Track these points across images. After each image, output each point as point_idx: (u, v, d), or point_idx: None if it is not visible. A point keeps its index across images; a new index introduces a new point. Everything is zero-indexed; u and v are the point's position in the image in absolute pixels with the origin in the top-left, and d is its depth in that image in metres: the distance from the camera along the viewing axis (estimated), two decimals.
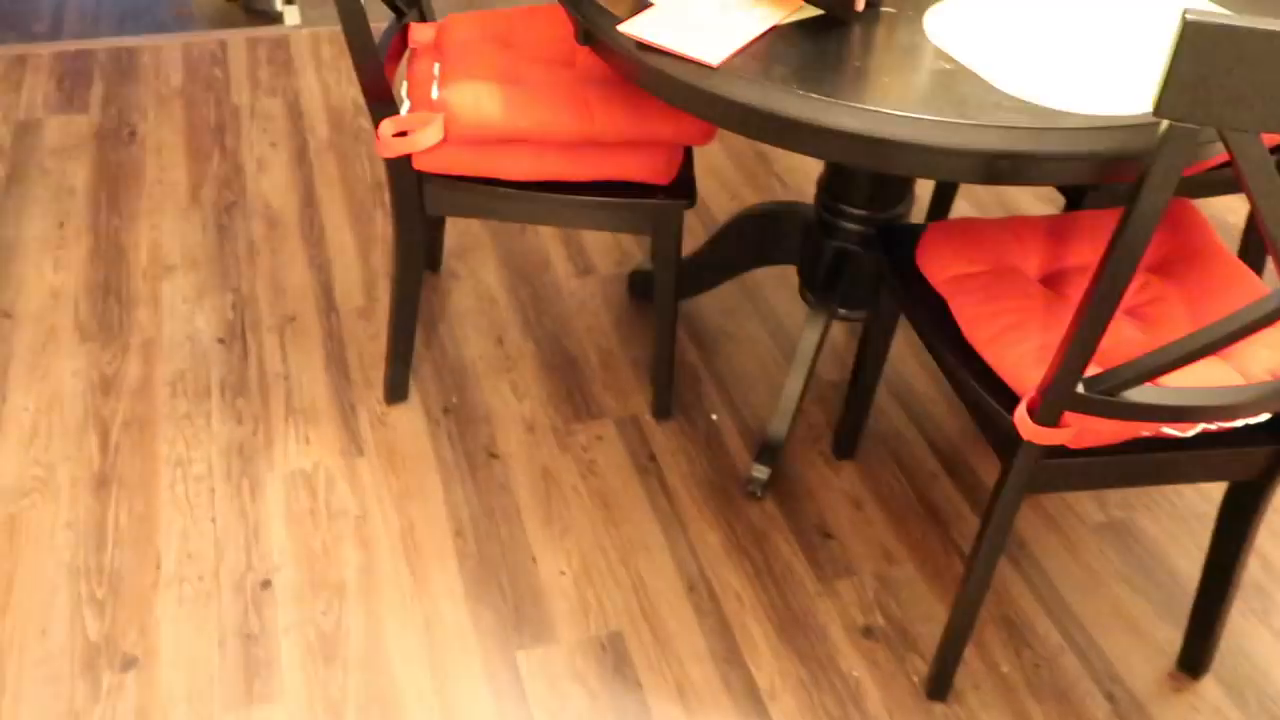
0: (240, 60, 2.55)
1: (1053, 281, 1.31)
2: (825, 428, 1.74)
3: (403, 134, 1.41)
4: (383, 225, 2.07)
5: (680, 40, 1.15)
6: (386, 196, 2.14)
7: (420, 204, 1.49)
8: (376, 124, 1.42)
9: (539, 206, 1.47)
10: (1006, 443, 1.18)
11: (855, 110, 1.09)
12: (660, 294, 1.57)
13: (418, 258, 1.55)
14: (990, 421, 1.20)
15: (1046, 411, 1.10)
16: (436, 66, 1.56)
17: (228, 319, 1.84)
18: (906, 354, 1.88)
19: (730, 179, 2.28)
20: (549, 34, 1.58)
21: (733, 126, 1.16)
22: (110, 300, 1.87)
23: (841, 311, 1.70)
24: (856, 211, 1.61)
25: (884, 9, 1.26)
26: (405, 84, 1.58)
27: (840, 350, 1.89)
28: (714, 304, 1.96)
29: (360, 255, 2.00)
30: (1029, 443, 1.14)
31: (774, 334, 1.90)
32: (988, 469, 1.70)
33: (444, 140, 1.38)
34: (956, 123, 1.07)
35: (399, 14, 1.60)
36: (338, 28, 2.68)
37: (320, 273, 1.95)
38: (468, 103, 1.37)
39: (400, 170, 1.45)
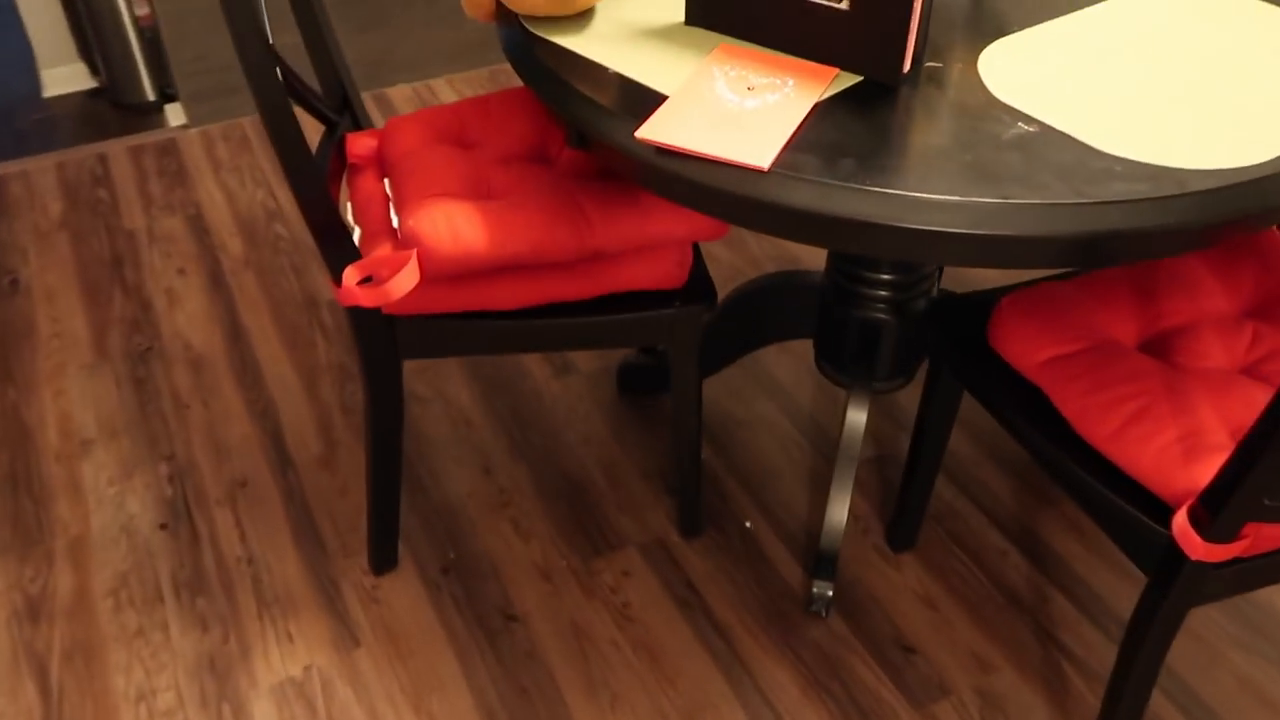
0: (126, 175, 2.26)
1: (1157, 349, 1.14)
2: (872, 515, 1.55)
3: (368, 277, 1.17)
4: (326, 350, 1.82)
5: (717, 141, 0.94)
6: (324, 314, 1.89)
7: (393, 352, 1.26)
8: (331, 266, 1.17)
9: (534, 335, 1.25)
10: (1159, 558, 1.00)
11: (945, 205, 0.89)
12: (680, 409, 1.36)
13: (394, 412, 1.31)
14: (1132, 533, 1.02)
15: (1223, 526, 0.92)
16: (387, 183, 1.32)
17: (166, 496, 1.57)
18: None
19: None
20: (511, 127, 1.35)
21: (791, 234, 0.95)
22: (21, 496, 1.58)
23: (878, 385, 1.51)
24: (881, 277, 1.42)
25: (929, 64, 1.07)
26: (349, 206, 1.34)
27: (870, 420, 1.70)
28: (715, 388, 1.75)
29: (306, 390, 1.74)
30: (1199, 561, 0.96)
31: (788, 411, 1.70)
32: (1056, 531, 1.52)
33: (419, 281, 1.15)
34: (1070, 204, 0.89)
35: (329, 124, 1.36)
36: (230, 121, 2.41)
37: (264, 420, 1.69)
38: (442, 233, 1.14)
39: (365, 317, 1.22)
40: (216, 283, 1.96)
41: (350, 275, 1.14)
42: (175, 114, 2.43)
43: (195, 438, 1.66)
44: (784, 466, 1.62)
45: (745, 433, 1.67)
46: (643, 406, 1.71)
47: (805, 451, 1.64)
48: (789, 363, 1.79)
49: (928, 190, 0.90)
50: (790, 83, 1.03)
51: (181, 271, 1.99)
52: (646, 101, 1.02)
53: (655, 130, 0.97)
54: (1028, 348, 1.12)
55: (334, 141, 1.34)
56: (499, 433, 1.67)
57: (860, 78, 1.04)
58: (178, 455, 1.63)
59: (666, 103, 1.00)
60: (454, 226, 1.15)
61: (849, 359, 1.49)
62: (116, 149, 2.33)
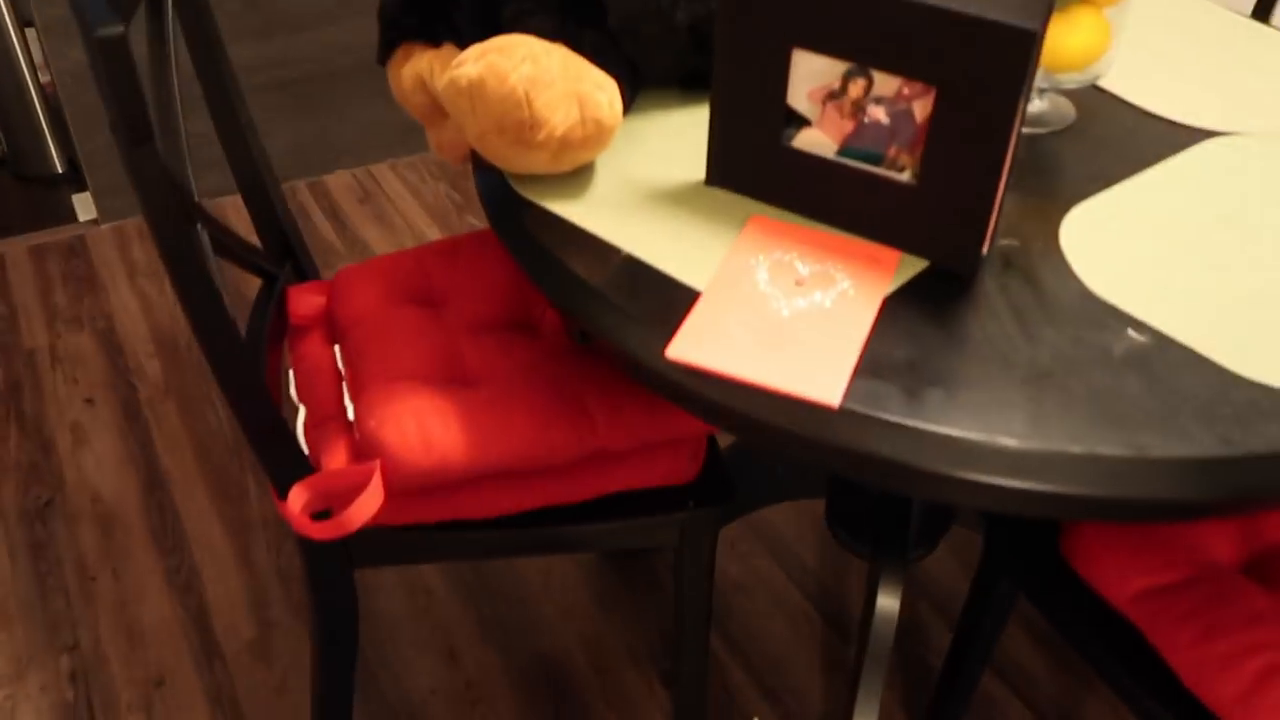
0: (26, 281, 2.00)
1: (1261, 573, 0.96)
2: (894, 703, 1.36)
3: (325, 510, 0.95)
4: (259, 499, 1.58)
5: (770, 366, 0.75)
6: (255, 455, 1.65)
7: (346, 562, 1.03)
8: (272, 477, 0.95)
9: (516, 543, 1.04)
10: None
11: (1065, 460, 0.70)
12: (690, 619, 1.15)
13: (345, 623, 1.09)
14: None
15: None
16: (338, 351, 1.11)
17: (67, 701, 1.32)
18: (958, 575, 1.52)
19: None
20: (486, 279, 1.14)
21: (871, 479, 0.76)
22: None
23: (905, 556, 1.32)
24: None
25: (1003, 241, 0.89)
26: (291, 377, 1.12)
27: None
28: None
29: (237, 552, 1.50)
30: None
31: (794, 573, 1.51)
32: (1103, 713, 1.34)
33: (384, 498, 0.93)
34: (1220, 458, 0.71)
35: (268, 278, 1.14)
36: None
37: (186, 595, 1.45)
38: (412, 441, 0.92)
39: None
40: (130, 415, 1.71)
41: (297, 499, 0.92)
42: (84, 206, 2.18)
43: (104, 620, 1.41)
44: (790, 641, 1.42)
45: (745, 600, 1.47)
46: (630, 572, 1.51)
47: (815, 625, 1.44)
48: (790, 512, 1.60)
49: (1042, 437, 0.71)
50: (845, 273, 0.84)
51: (89, 401, 1.74)
52: (671, 298, 0.82)
53: (690, 348, 0.77)
54: (1116, 574, 0.94)
55: (274, 298, 1.12)
56: (463, 604, 1.45)
57: (926, 262, 0.86)
58: (82, 644, 1.38)
59: (699, 304, 0.80)
60: (426, 433, 0.93)
61: (879, 537, 1.30)
62: (16, 249, 2.07)
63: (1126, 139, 1.02)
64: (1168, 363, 0.77)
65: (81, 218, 2.15)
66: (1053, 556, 1.00)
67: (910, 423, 0.72)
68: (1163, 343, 0.79)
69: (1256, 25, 1.19)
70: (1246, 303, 0.82)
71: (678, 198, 0.92)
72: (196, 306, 0.84)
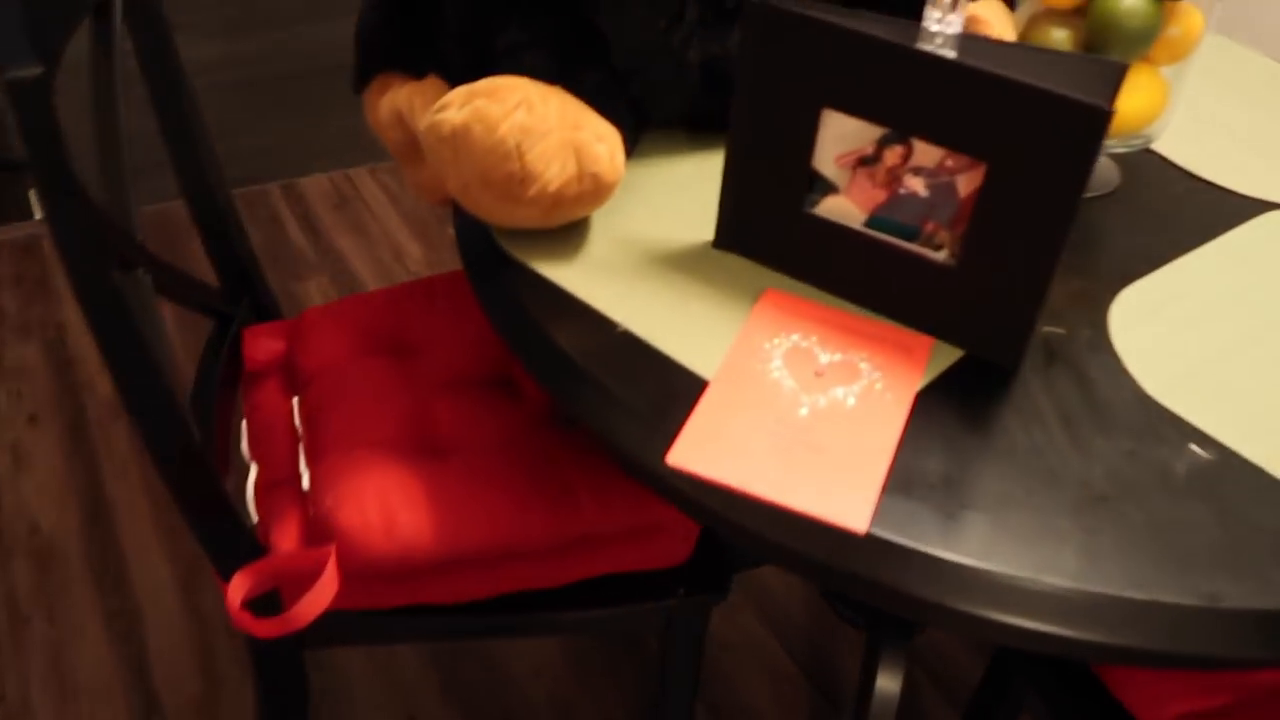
0: None
1: None
2: None
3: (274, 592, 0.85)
4: None
5: (786, 481, 0.65)
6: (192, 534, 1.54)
7: (295, 644, 0.93)
8: (213, 559, 0.85)
9: (486, 629, 0.94)
10: None
11: (1127, 607, 0.61)
12: (674, 697, 1.05)
13: (297, 711, 0.98)
14: None
15: None
16: (296, 404, 1.00)
17: None
18: (964, 649, 1.42)
19: None
20: (464, 329, 1.03)
21: (900, 613, 0.67)
22: None
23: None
24: None
25: (1047, 329, 0.79)
26: (244, 429, 1.01)
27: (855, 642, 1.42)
28: None
29: (184, 595, 1.39)
30: None
31: (782, 633, 1.41)
32: None
33: (339, 585, 0.83)
34: None
35: (222, 319, 1.03)
36: None
37: (127, 643, 1.34)
38: (373, 524, 0.82)
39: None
40: (77, 437, 1.60)
41: (239, 588, 0.81)
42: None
43: (35, 668, 1.30)
44: (779, 713, 1.32)
45: (731, 661, 1.37)
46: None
47: (805, 692, 1.35)
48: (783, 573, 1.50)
49: (1098, 578, 0.62)
50: (871, 364, 0.74)
51: (33, 419, 1.62)
52: (673, 386, 0.72)
53: (695, 454, 0.67)
54: (1153, 695, 0.85)
55: (227, 340, 1.01)
56: (427, 665, 1.34)
57: (961, 351, 0.76)
58: (8, 697, 1.27)
59: (705, 397, 0.70)
60: (389, 514, 0.83)
61: (881, 617, 1.21)
62: None
63: (1176, 208, 0.92)
64: (1237, 487, 0.68)
65: (37, 214, 2.03)
66: (1079, 667, 0.90)
67: (947, 555, 0.63)
68: (1229, 460, 0.70)
69: None
70: None
71: (682, 262, 0.82)
72: (126, 373, 0.73)
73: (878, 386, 0.72)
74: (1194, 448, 0.70)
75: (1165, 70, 0.87)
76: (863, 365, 0.73)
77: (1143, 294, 0.83)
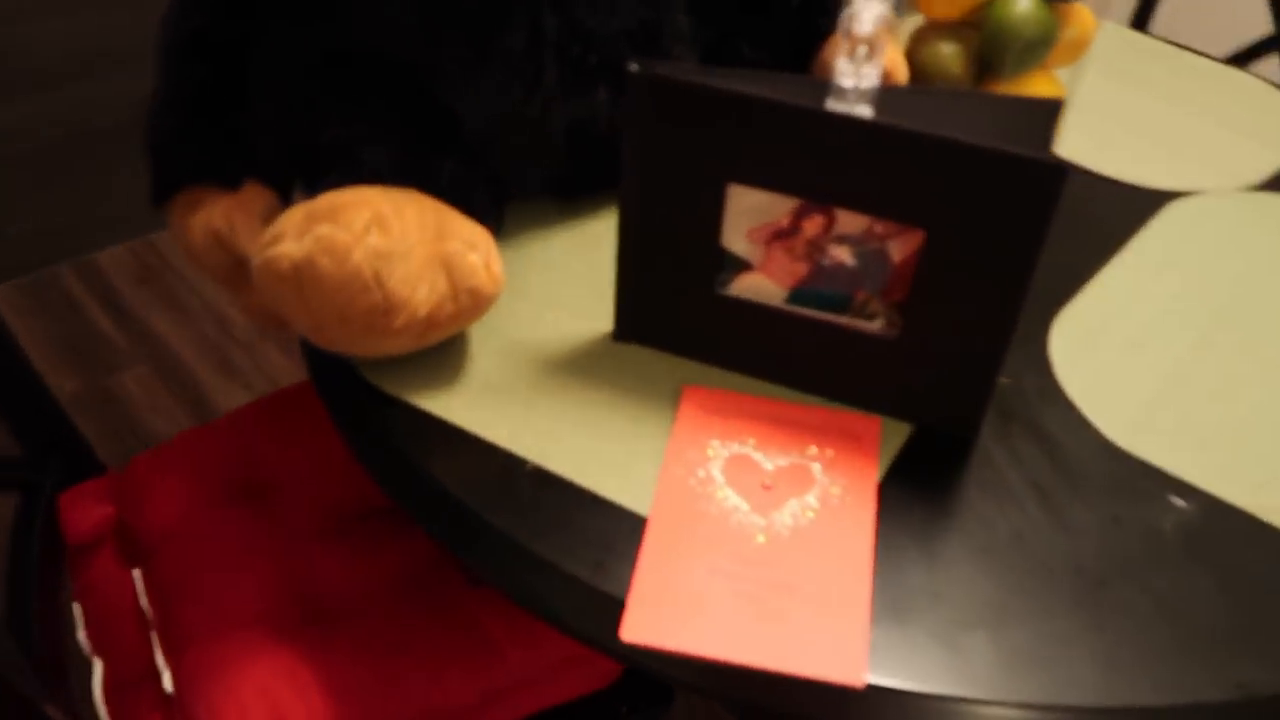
0: None
1: None
2: None
3: None
4: None
5: (766, 643, 0.55)
6: None
7: None
8: None
9: None
10: None
11: (1153, 718, 0.54)
12: None
13: None
14: None
15: None
16: (138, 578, 0.84)
17: None
18: None
19: None
20: (327, 455, 0.89)
21: None
22: None
23: None
24: None
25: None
26: (78, 615, 0.85)
27: None
28: None
29: None
30: None
31: None
32: None
33: None
34: None
35: (28, 489, 0.86)
36: None
37: None
38: None
39: None
40: None
41: None
42: None
43: None
44: None
45: None
46: None
47: None
48: None
49: (1121, 686, 0.55)
50: (824, 461, 0.65)
51: None
52: (605, 529, 0.61)
53: (651, 624, 0.56)
54: None
55: (40, 516, 0.84)
56: None
57: (908, 426, 0.68)
58: None
59: (646, 545, 0.60)
60: (278, 714, 0.70)
61: None
62: None
63: (1085, 212, 0.87)
64: (1229, 540, 0.62)
65: None
66: None
67: (957, 693, 0.55)
68: (1212, 508, 0.64)
69: (1219, 67, 1.07)
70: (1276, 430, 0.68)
71: (582, 365, 0.71)
72: None
73: (834, 490, 0.63)
74: (1174, 499, 0.65)
75: (1060, 72, 0.81)
76: (814, 466, 0.65)
77: (1077, 320, 0.77)
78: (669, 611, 0.57)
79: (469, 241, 0.64)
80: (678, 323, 0.70)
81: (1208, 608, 0.59)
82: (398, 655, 0.74)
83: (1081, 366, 0.73)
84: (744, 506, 0.62)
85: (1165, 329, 0.76)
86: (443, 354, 0.71)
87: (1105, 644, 0.57)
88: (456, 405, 0.68)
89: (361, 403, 0.69)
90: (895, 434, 0.67)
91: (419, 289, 0.62)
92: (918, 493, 0.64)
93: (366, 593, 0.79)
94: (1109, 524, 0.63)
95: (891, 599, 0.58)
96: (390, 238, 0.61)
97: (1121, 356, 0.74)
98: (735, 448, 0.65)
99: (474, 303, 0.65)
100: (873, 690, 0.55)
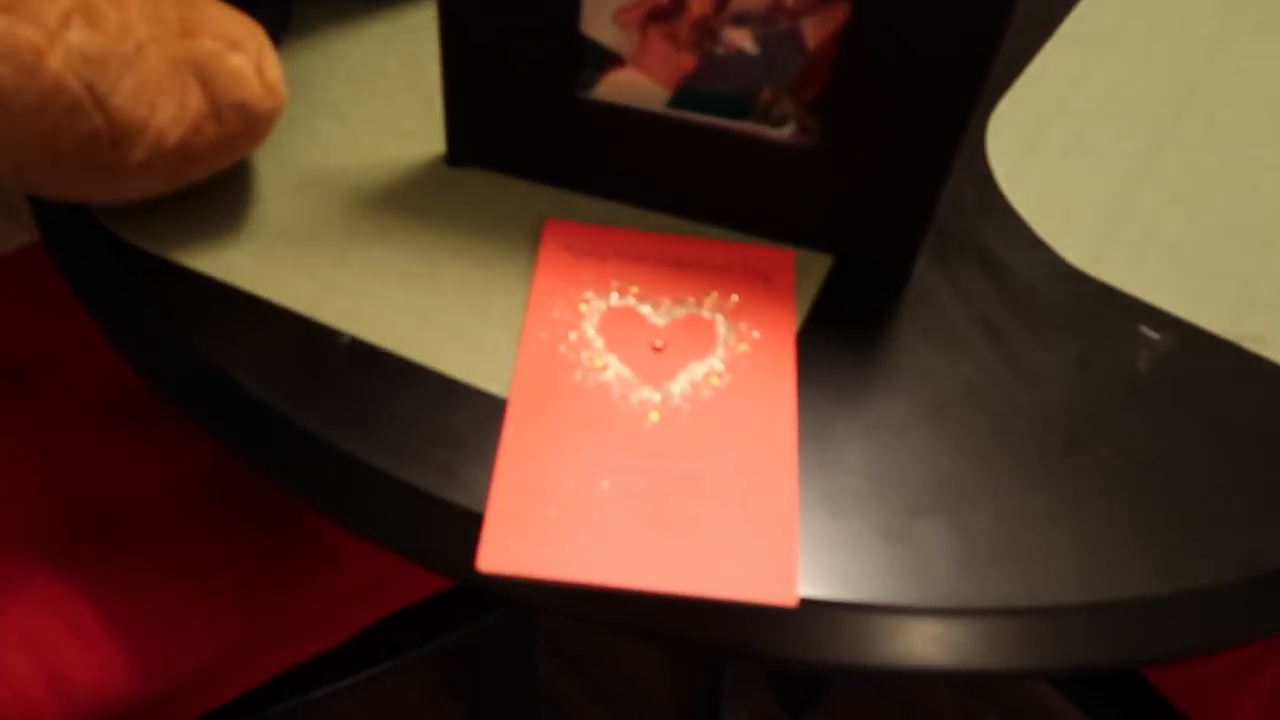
0: None
1: None
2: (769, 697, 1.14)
3: None
4: None
5: (669, 560, 0.42)
6: None
7: None
8: None
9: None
10: None
11: (1150, 612, 0.44)
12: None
13: None
14: None
15: None
16: None
17: None
18: None
19: None
20: (98, 334, 0.71)
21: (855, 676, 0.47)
22: None
23: None
24: None
25: None
26: None
27: None
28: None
29: None
30: None
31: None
32: None
33: None
34: None
35: None
36: None
37: None
38: (31, 696, 0.54)
39: None
40: None
41: None
42: None
43: None
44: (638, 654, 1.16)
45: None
46: None
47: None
48: None
49: (1109, 581, 0.44)
50: (726, 311, 0.51)
51: None
52: (450, 419, 0.46)
53: (517, 546, 0.42)
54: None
55: None
56: None
57: (827, 258, 0.55)
58: None
59: (505, 441, 0.46)
60: (51, 667, 0.55)
61: None
62: None
63: None
64: (1212, 376, 0.52)
65: None
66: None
67: (918, 603, 0.43)
68: (1189, 338, 0.53)
69: None
70: (1252, 238, 0.57)
71: (408, 201, 0.55)
72: None
73: (743, 348, 0.50)
74: (1146, 331, 0.53)
75: None
76: (716, 318, 0.50)
77: (1015, 116, 0.63)
78: (540, 528, 0.43)
79: (230, 38, 0.46)
80: (530, 138, 0.54)
81: (1197, 464, 0.48)
82: (204, 574, 0.59)
83: (1026, 173, 0.60)
84: (629, 375, 0.48)
85: (1119, 121, 0.63)
86: (216, 196, 0.54)
87: (1086, 524, 0.46)
88: (240, 263, 0.51)
89: (107, 263, 0.51)
90: (812, 270, 0.54)
91: (161, 107, 0.44)
92: (846, 344, 0.51)
93: (159, 496, 0.63)
94: (1075, 367, 0.51)
95: (822, 483, 0.46)
96: (104, 34, 0.42)
97: (1070, 159, 0.61)
98: (615, 299, 0.51)
99: (245, 124, 0.47)
100: (808, 606, 0.43)
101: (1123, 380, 0.51)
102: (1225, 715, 0.67)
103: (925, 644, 0.43)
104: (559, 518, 0.43)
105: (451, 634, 0.69)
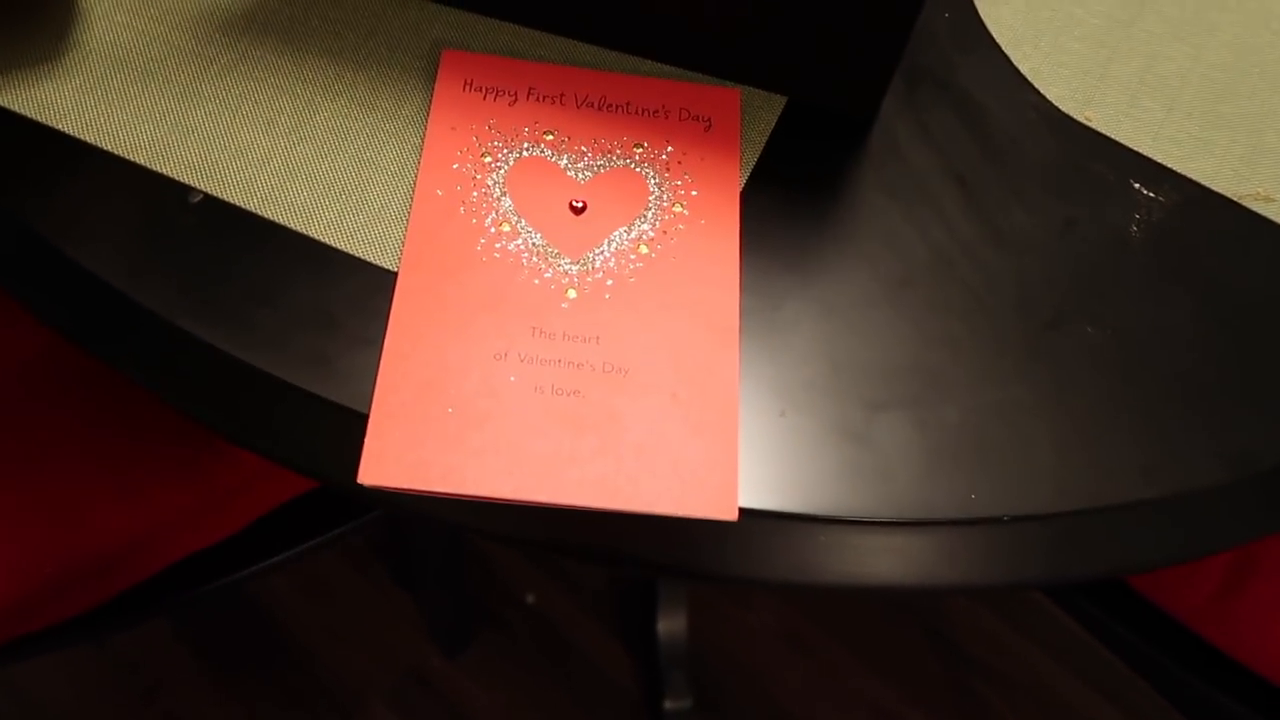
0: None
1: None
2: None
3: None
4: None
5: (584, 468, 0.35)
6: None
7: None
8: None
9: (167, 609, 0.62)
10: None
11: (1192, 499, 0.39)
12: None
13: None
14: None
15: None
16: None
17: None
18: None
19: None
20: None
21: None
22: None
23: None
24: None
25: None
26: None
27: None
28: None
29: None
30: None
31: None
32: None
33: None
34: None
35: None
36: None
37: None
38: None
39: None
40: None
41: None
42: None
43: None
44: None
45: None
46: None
47: None
48: None
49: (1086, 487, 0.39)
50: (658, 165, 0.43)
51: None
52: (324, 295, 0.39)
53: (405, 454, 0.35)
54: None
55: None
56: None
57: (778, 101, 0.46)
58: None
59: (393, 322, 0.38)
60: None
61: None
62: None
63: None
64: (1210, 242, 0.45)
65: None
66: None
67: (876, 514, 0.37)
68: (1186, 199, 0.46)
69: None
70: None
71: (275, 21, 0.45)
72: None
73: (678, 209, 0.42)
74: (1139, 188, 0.47)
75: None
76: (646, 171, 0.42)
77: None
78: (435, 431, 0.36)
79: None
80: None
81: (1192, 342, 0.42)
82: (54, 472, 0.52)
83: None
84: (541, 244, 0.40)
85: None
86: (28, 11, 0.43)
87: (1066, 416, 0.40)
88: (62, 100, 0.42)
89: None
90: (760, 114, 0.46)
91: None
92: (798, 203, 0.44)
93: (16, 364, 0.55)
94: (1060, 231, 0.45)
95: (769, 374, 0.39)
96: None
97: None
98: (526, 149, 0.42)
99: None
100: (750, 518, 0.37)
101: (1112, 245, 0.44)
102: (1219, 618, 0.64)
103: (881, 558, 0.37)
104: (456, 418, 0.36)
105: (361, 519, 0.63)
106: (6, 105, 0.41)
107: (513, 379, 0.37)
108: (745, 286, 0.41)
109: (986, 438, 0.39)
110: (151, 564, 0.58)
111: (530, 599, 1.05)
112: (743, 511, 0.36)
